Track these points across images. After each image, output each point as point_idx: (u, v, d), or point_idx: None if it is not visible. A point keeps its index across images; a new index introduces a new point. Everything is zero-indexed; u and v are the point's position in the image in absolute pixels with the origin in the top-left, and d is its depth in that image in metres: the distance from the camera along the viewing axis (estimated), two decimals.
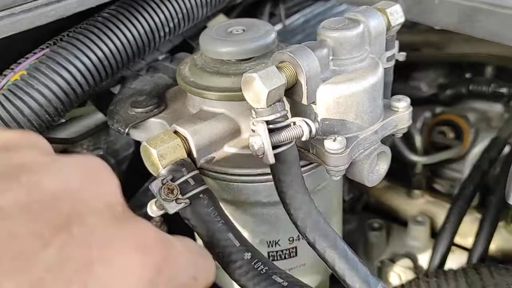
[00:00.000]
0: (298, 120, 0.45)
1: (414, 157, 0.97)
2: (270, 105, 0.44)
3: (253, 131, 0.45)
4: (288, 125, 0.45)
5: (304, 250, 0.63)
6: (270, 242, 0.62)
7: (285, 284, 0.46)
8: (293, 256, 0.64)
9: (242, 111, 0.57)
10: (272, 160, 0.44)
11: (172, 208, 0.51)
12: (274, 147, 0.45)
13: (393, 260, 0.89)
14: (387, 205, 1.01)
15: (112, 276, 0.22)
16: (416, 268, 0.89)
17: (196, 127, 0.55)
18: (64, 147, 0.88)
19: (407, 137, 0.99)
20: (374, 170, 0.53)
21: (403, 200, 0.99)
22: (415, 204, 0.98)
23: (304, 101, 0.47)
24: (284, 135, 0.45)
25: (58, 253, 0.22)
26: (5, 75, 0.59)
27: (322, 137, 0.49)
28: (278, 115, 0.45)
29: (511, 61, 0.91)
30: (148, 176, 0.94)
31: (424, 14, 0.65)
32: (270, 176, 0.55)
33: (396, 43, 0.56)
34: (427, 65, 1.05)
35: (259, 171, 0.55)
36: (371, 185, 0.53)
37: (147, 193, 0.94)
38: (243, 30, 0.59)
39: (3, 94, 0.57)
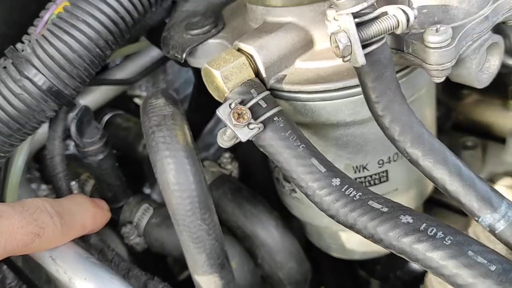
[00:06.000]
0: (391, 8, 0.36)
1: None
2: None
3: (331, 35, 0.37)
4: (377, 16, 0.36)
5: (396, 173, 0.56)
6: (356, 167, 0.55)
7: (385, 209, 0.39)
8: (383, 181, 0.56)
9: (314, 18, 0.49)
10: (362, 60, 0.35)
11: (245, 134, 0.44)
12: (363, 46, 0.36)
13: (492, 180, 0.78)
14: (480, 121, 0.89)
15: None
16: None
17: (262, 41, 0.48)
18: (124, 88, 0.83)
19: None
20: (484, 68, 0.43)
21: (498, 113, 0.87)
22: None
23: None
24: (374, 29, 0.36)
25: None
26: (47, 9, 0.54)
27: (420, 30, 0.40)
28: (365, 4, 0.36)
29: None
30: (212, 115, 0.89)
31: None
32: (354, 90, 0.47)
33: None
34: None
35: (340, 84, 0.47)
36: (482, 86, 0.43)
37: (213, 133, 0.89)
38: None
39: (49, 30, 0.51)
